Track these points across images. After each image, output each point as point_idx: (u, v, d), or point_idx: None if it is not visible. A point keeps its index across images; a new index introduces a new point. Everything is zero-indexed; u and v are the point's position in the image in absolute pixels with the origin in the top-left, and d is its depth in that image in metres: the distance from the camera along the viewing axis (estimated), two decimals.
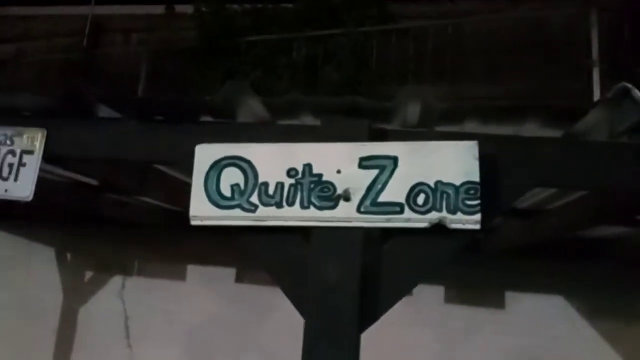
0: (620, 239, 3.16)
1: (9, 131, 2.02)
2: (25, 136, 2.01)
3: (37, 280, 4.53)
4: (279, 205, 1.70)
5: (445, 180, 1.63)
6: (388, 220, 1.64)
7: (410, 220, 1.63)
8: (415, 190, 1.64)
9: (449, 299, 3.85)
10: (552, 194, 2.42)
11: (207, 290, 4.22)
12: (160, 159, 2.14)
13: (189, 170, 1.80)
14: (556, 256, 3.45)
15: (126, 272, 4.48)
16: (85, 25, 7.15)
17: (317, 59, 5.57)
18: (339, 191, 1.67)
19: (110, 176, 2.76)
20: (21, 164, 1.99)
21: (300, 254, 1.72)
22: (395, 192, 1.64)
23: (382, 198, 1.65)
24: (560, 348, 3.57)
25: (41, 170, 2.01)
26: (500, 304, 3.78)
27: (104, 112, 2.05)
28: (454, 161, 1.64)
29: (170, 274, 4.35)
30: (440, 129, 1.85)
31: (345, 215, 1.66)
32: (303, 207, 1.68)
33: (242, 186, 1.73)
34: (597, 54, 5.11)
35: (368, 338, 1.65)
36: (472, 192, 1.60)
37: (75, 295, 4.49)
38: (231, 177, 1.75)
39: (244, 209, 1.72)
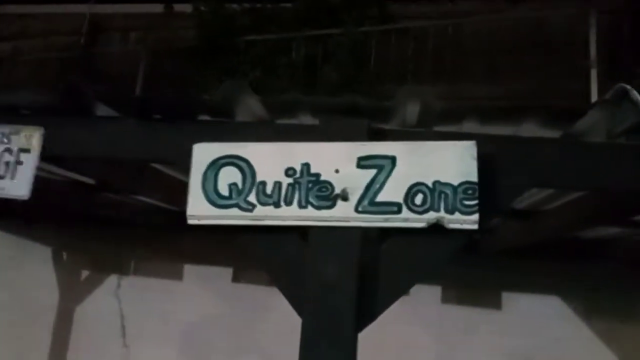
0: (617, 240, 3.16)
1: (6, 129, 2.01)
2: (22, 134, 2.00)
3: (33, 279, 4.52)
4: (277, 205, 1.70)
5: (443, 180, 1.63)
6: (386, 220, 1.64)
7: (408, 219, 1.62)
8: (413, 189, 1.64)
9: (445, 299, 3.85)
10: (549, 194, 2.42)
11: (203, 289, 4.21)
12: (157, 157, 2.14)
13: (186, 169, 1.80)
14: (553, 256, 3.46)
15: (122, 271, 4.47)
16: (83, 23, 7.13)
17: (316, 59, 5.57)
18: (337, 190, 1.67)
19: (107, 175, 2.75)
20: (18, 162, 1.98)
21: (297, 253, 1.72)
22: (393, 191, 1.64)
23: (380, 197, 1.65)
24: (556, 348, 3.58)
25: (38, 168, 2.00)
26: (497, 304, 3.78)
27: (102, 110, 2.04)
28: (452, 161, 1.64)
29: (167, 273, 4.35)
30: (439, 128, 1.85)
31: (343, 214, 1.66)
32: (301, 206, 1.68)
33: (240, 185, 1.73)
34: (595, 55, 5.12)
35: (365, 337, 1.65)
36: (469, 192, 1.60)
37: (71, 294, 4.48)
38: (229, 176, 1.75)
39: (241, 208, 1.72)
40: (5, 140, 2.00)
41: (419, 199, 1.63)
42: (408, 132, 1.85)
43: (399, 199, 1.63)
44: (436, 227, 1.61)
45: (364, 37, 5.56)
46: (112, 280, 4.45)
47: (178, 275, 4.34)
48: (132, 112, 1.99)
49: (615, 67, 4.95)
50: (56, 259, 4.59)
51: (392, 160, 1.67)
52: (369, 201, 1.65)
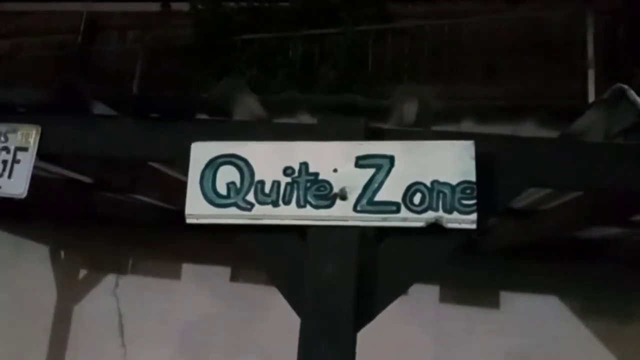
0: (615, 240, 3.17)
1: (3, 127, 2.00)
2: (19, 132, 1.99)
3: (31, 278, 4.50)
4: (275, 204, 1.69)
5: (441, 180, 1.63)
6: (384, 219, 1.64)
7: (407, 219, 1.62)
8: (411, 189, 1.63)
9: (443, 298, 3.85)
10: (547, 194, 2.42)
11: (201, 288, 4.21)
12: (155, 156, 2.13)
13: (184, 168, 1.79)
14: (551, 256, 3.47)
15: (120, 270, 4.46)
16: (80, 21, 7.12)
17: (313, 58, 5.57)
18: (335, 190, 1.67)
19: (104, 174, 2.74)
20: (15, 161, 1.97)
21: (296, 252, 1.72)
22: (391, 191, 1.64)
23: (378, 197, 1.64)
24: (554, 348, 3.59)
25: (35, 167, 1.99)
26: (495, 303, 3.79)
27: (99, 109, 2.03)
28: (450, 160, 1.64)
29: (165, 273, 4.34)
30: (437, 128, 1.84)
31: (341, 214, 1.65)
32: (299, 205, 1.67)
33: (238, 184, 1.73)
34: (592, 55, 5.14)
35: (363, 337, 1.65)
36: (468, 191, 1.60)
37: (69, 294, 4.47)
38: (227, 175, 1.74)
39: (239, 207, 1.71)
40: (3, 138, 1.99)
41: (417, 198, 1.63)
42: (406, 131, 1.84)
43: (398, 198, 1.63)
44: (434, 227, 1.61)
45: (361, 37, 5.56)
46: (110, 279, 4.44)
47: (176, 275, 4.33)
48: (130, 111, 1.99)
49: (613, 67, 4.96)
50: (54, 258, 4.58)
51: (391, 159, 1.66)
52: (367, 200, 1.65)
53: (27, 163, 1.97)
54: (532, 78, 5.10)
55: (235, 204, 1.72)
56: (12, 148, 1.98)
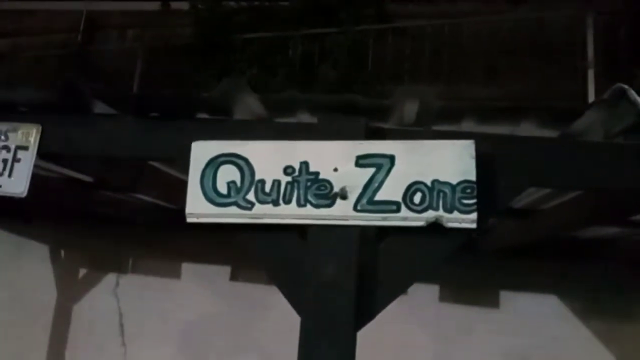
0: (616, 239, 3.17)
1: (4, 126, 2.00)
2: (19, 131, 1.99)
3: (31, 278, 4.51)
4: (275, 203, 1.70)
5: (441, 179, 1.63)
6: (384, 219, 1.64)
7: (407, 218, 1.62)
8: (411, 188, 1.64)
9: (443, 298, 3.85)
10: (547, 194, 2.43)
11: (201, 288, 4.21)
12: (155, 155, 2.13)
13: (185, 167, 1.79)
14: (551, 256, 3.47)
15: (120, 269, 4.46)
16: (80, 20, 7.12)
17: (314, 57, 5.57)
18: (336, 189, 1.67)
19: (104, 173, 2.74)
20: (15, 160, 1.97)
21: (296, 251, 1.72)
22: (391, 190, 1.64)
23: (379, 196, 1.65)
24: (554, 347, 3.59)
25: (35, 166, 1.99)
26: (494, 303, 3.79)
27: (100, 108, 2.03)
28: (450, 160, 1.64)
29: (165, 272, 4.34)
30: (437, 127, 1.85)
31: (341, 213, 1.66)
32: (299, 204, 1.68)
33: (239, 183, 1.73)
34: (592, 56, 5.14)
35: (363, 336, 1.65)
36: (468, 190, 1.61)
37: (69, 293, 4.47)
38: (227, 174, 1.74)
39: (240, 206, 1.71)
40: (3, 137, 1.99)
41: (417, 197, 1.63)
42: (407, 131, 1.85)
43: (398, 197, 1.63)
44: (435, 226, 1.61)
45: (361, 36, 5.56)
46: (110, 278, 4.44)
47: (176, 274, 4.33)
48: (130, 110, 1.99)
49: (613, 68, 4.96)
50: (54, 257, 4.58)
51: (391, 159, 1.67)
52: (367, 200, 1.65)
53: (27, 162, 1.97)
54: (533, 79, 5.10)
55: (235, 203, 1.72)
56: (12, 147, 1.98)
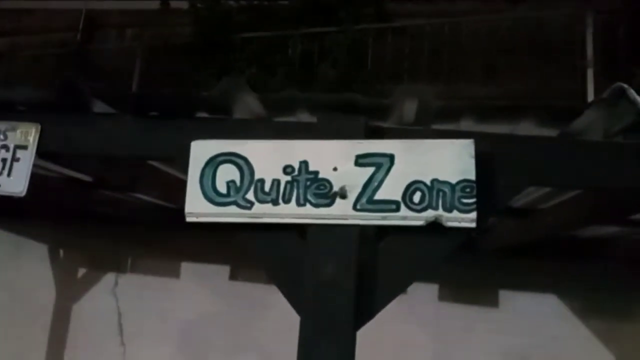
0: (616, 239, 3.17)
1: (2, 125, 2.00)
2: (18, 131, 1.99)
3: (30, 277, 4.50)
4: (275, 202, 1.69)
5: (441, 178, 1.63)
6: (384, 218, 1.64)
7: (406, 218, 1.62)
8: (411, 188, 1.64)
9: (442, 297, 3.85)
10: (546, 193, 2.42)
11: (200, 287, 4.21)
12: (155, 154, 2.12)
13: (184, 166, 1.79)
14: (551, 255, 3.47)
15: (119, 269, 4.46)
16: (79, 19, 7.11)
17: (313, 56, 5.57)
18: (335, 188, 1.67)
19: (104, 172, 2.74)
20: (14, 159, 1.97)
21: (296, 251, 1.72)
22: (391, 189, 1.64)
23: (378, 195, 1.64)
24: (554, 347, 3.59)
25: (34, 165, 1.99)
26: (494, 302, 3.79)
27: (99, 107, 2.03)
28: (450, 159, 1.64)
29: (164, 271, 4.34)
30: (437, 126, 1.84)
31: (341, 212, 1.65)
32: (299, 204, 1.67)
33: (238, 183, 1.73)
34: (591, 55, 5.14)
35: (362, 335, 1.65)
36: (467, 190, 1.60)
37: (68, 292, 4.47)
38: (227, 173, 1.74)
39: (239, 206, 1.71)
40: (2, 136, 1.99)
41: (417, 197, 1.63)
42: (406, 130, 1.85)
43: (397, 197, 1.63)
44: (434, 225, 1.61)
45: (361, 35, 5.56)
46: (109, 278, 4.44)
47: (175, 273, 4.33)
48: (129, 109, 1.99)
49: (613, 67, 4.97)
50: (53, 256, 4.57)
51: (390, 158, 1.66)
52: (367, 199, 1.65)
53: (26, 161, 1.96)
54: (532, 78, 5.10)
55: (235, 203, 1.72)
56: (11, 146, 1.98)
